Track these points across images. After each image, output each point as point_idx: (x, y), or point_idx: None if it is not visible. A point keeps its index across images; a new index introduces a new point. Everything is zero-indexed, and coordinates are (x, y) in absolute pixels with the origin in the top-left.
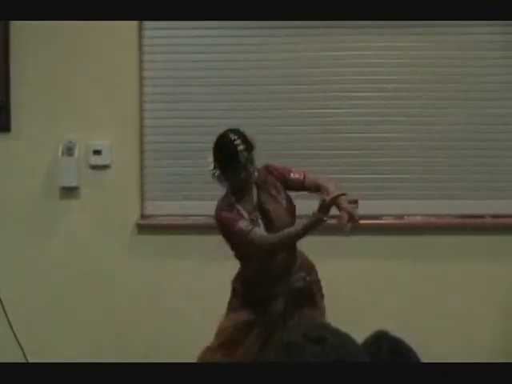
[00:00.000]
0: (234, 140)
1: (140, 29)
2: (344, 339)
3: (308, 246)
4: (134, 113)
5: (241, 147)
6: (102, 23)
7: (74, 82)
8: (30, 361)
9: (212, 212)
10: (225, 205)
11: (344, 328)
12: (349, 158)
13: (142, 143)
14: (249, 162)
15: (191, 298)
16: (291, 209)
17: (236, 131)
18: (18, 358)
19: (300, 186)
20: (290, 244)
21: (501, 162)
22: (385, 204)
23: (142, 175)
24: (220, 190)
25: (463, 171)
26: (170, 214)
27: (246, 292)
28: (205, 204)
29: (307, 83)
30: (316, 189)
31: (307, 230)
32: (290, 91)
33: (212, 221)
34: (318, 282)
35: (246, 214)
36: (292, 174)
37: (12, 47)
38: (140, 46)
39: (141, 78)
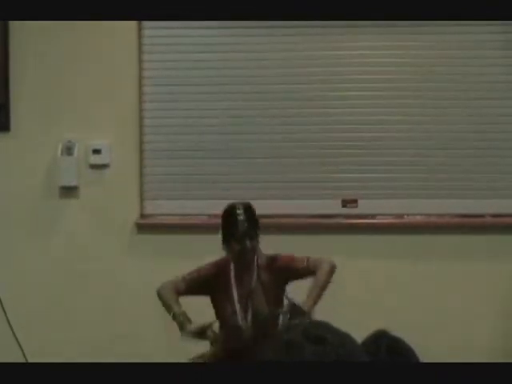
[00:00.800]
0: (238, 209)
1: (139, 28)
2: (344, 339)
3: (308, 245)
4: (133, 112)
5: (241, 217)
6: (102, 23)
7: (73, 82)
8: (30, 361)
9: (211, 211)
10: (221, 258)
11: (344, 328)
12: (348, 157)
13: (141, 142)
14: (248, 236)
15: (191, 298)
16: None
17: (244, 204)
18: (17, 358)
19: (305, 272)
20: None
21: (501, 161)
22: (384, 203)
23: (141, 175)
24: (220, 189)
25: (463, 170)
26: (170, 214)
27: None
28: (204, 203)
29: (306, 82)
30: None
31: (173, 318)
32: (289, 90)
33: (211, 220)
34: None
35: (236, 296)
36: (297, 263)
37: (12, 47)
38: (140, 45)
39: (140, 78)
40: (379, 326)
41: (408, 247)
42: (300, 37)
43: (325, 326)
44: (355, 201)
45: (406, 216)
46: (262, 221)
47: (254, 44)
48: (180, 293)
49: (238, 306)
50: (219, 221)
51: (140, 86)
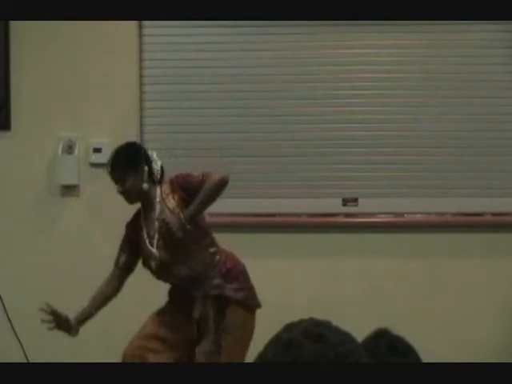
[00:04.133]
0: (111, 155)
1: (140, 27)
2: (344, 337)
3: (308, 243)
4: (133, 111)
5: (109, 165)
6: (101, 23)
7: (73, 81)
8: (31, 361)
9: (211, 209)
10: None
11: (344, 327)
12: (348, 156)
13: (141, 141)
14: (115, 181)
15: None
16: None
17: (117, 149)
18: (18, 358)
19: (201, 185)
20: None
21: (501, 159)
22: (385, 202)
23: None
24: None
25: (463, 169)
26: None
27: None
28: None
29: (306, 81)
30: None
31: None
32: (289, 89)
33: (211, 218)
34: (239, 289)
35: (145, 234)
36: (194, 178)
37: (12, 46)
38: (140, 44)
39: (140, 77)
40: (379, 324)
41: (408, 246)
42: (300, 36)
43: (325, 325)
44: (356, 199)
45: (406, 215)
46: (263, 219)
47: (254, 43)
48: (122, 263)
49: (146, 236)
50: (219, 219)
51: (140, 84)
